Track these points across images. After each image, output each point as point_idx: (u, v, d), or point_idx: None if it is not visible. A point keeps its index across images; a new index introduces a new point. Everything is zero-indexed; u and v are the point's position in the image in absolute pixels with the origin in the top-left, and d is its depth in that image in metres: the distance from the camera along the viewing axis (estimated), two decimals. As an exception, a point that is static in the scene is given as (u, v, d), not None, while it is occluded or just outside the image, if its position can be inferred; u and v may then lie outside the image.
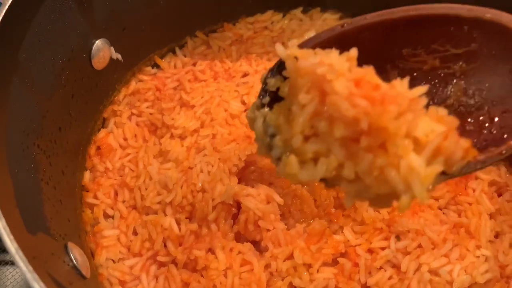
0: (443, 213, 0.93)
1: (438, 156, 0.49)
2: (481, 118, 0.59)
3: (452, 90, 0.59)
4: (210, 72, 1.11)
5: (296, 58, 0.50)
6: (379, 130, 0.46)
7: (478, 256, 0.87)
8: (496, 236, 0.92)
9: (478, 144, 0.57)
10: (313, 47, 0.52)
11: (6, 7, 0.70)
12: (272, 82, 0.54)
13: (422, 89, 0.48)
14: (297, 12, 1.21)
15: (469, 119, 0.59)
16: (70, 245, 0.74)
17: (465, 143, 0.51)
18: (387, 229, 0.88)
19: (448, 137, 0.49)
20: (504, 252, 0.89)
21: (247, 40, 1.17)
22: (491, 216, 0.93)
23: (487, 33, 0.54)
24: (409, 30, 0.55)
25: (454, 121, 0.52)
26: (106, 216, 0.94)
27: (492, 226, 0.91)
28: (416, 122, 0.48)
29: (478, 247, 0.89)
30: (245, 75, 1.11)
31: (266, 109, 0.55)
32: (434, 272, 0.85)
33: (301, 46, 0.54)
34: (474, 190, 0.95)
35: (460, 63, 0.58)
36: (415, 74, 0.58)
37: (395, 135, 0.46)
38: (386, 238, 0.87)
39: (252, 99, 1.04)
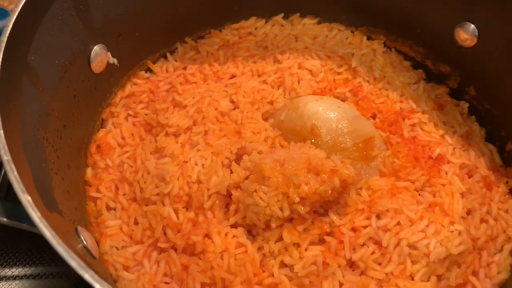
0: (419, 194, 0.99)
1: None
2: None
3: None
4: (200, 74, 1.17)
5: None
6: None
7: (452, 231, 0.94)
8: (468, 212, 0.99)
9: None
10: None
11: (15, 15, 0.77)
12: None
13: None
14: (279, 18, 1.28)
15: None
16: (80, 228, 0.80)
17: None
18: (368, 210, 0.94)
19: None
20: (475, 226, 0.96)
21: (233, 45, 1.23)
22: (463, 195, 1.00)
23: None
24: None
25: None
26: (109, 208, 0.99)
27: (464, 204, 0.98)
28: None
29: (452, 223, 0.95)
30: (232, 76, 1.17)
31: None
32: (412, 246, 0.91)
33: None
34: (446, 173, 1.02)
35: None
36: None
37: None
38: (368, 218, 0.93)
39: (240, 98, 1.10)
